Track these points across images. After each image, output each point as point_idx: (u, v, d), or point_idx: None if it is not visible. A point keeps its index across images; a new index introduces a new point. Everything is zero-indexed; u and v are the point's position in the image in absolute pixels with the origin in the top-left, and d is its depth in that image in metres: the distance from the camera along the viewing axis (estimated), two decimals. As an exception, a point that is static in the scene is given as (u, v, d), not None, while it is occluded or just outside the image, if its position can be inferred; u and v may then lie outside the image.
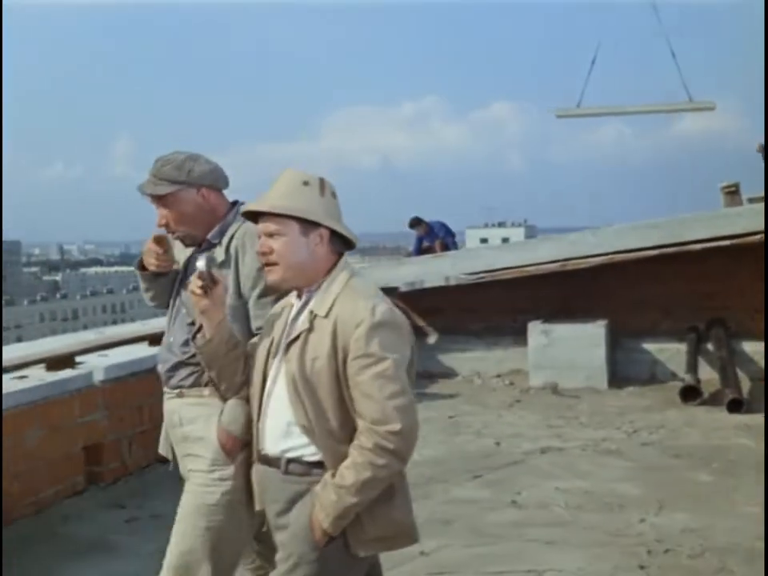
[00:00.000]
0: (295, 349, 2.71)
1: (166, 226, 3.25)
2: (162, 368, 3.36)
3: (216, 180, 3.30)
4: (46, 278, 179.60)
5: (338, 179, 3.21)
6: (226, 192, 3.36)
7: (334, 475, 2.63)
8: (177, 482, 3.45)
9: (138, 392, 6.46)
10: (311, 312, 2.72)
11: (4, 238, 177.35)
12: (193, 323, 3.15)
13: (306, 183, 2.78)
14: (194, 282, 2.87)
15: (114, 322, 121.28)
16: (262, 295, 3.17)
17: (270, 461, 2.79)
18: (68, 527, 5.51)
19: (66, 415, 5.83)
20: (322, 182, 2.79)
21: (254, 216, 2.82)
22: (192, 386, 3.26)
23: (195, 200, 3.24)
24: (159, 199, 3.22)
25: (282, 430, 2.75)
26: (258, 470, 2.87)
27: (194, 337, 3.00)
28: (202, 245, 3.30)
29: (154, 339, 7.14)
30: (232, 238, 3.23)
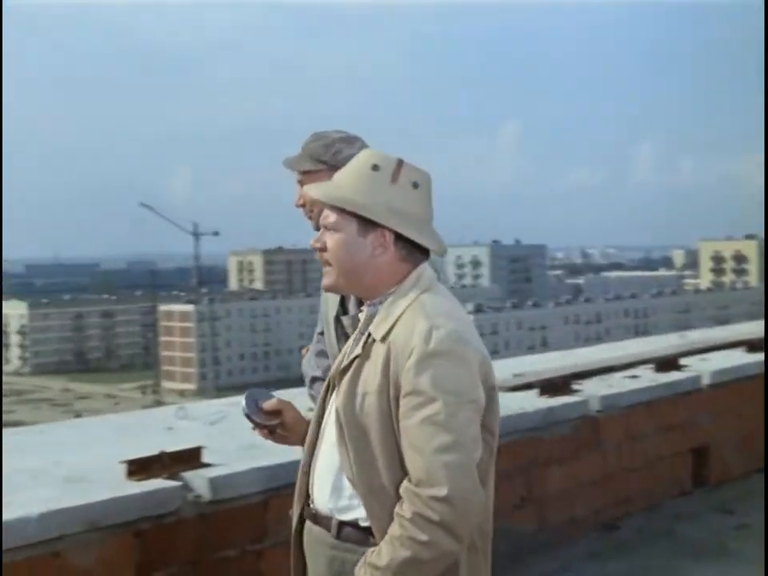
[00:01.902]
0: (346, 380, 2.19)
1: (303, 205, 2.95)
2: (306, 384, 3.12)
3: None
4: (568, 281, 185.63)
5: None
6: None
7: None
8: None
9: (740, 397, 6.42)
10: (368, 334, 2.20)
11: (532, 242, 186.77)
12: (322, 333, 3.00)
13: (375, 167, 2.23)
14: (257, 429, 2.43)
15: (636, 327, 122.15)
16: None
17: (319, 519, 2.26)
18: (680, 527, 5.61)
19: (675, 416, 5.94)
20: (399, 165, 2.23)
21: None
22: None
23: None
24: (301, 176, 2.93)
25: (331, 482, 2.23)
26: (307, 528, 2.32)
27: None
28: None
29: (753, 345, 7.07)
30: None
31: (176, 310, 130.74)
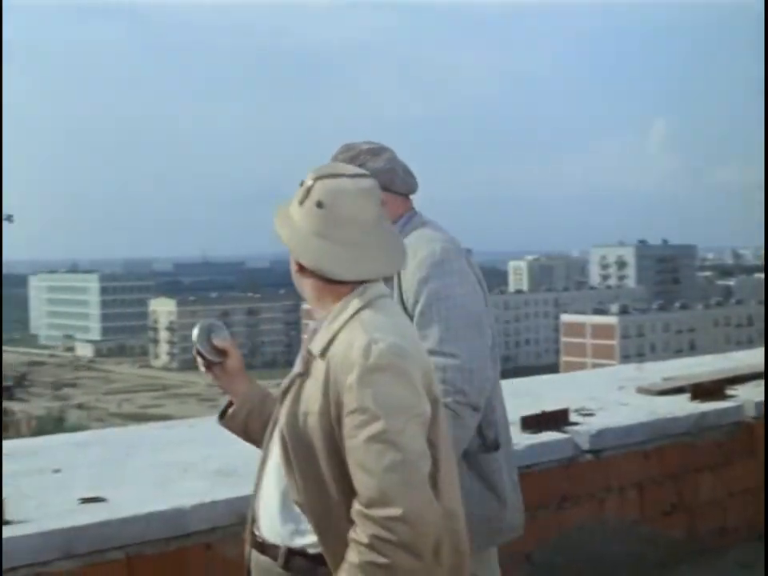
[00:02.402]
0: (288, 400, 2.11)
1: None
2: None
3: (390, 181, 2.86)
4: (718, 282, 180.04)
5: None
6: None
7: None
8: None
9: None
10: (309, 351, 2.12)
11: (680, 242, 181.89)
12: None
13: (301, 184, 2.17)
14: (196, 358, 2.36)
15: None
16: (424, 312, 2.72)
17: (265, 547, 2.15)
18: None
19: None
20: (313, 183, 2.15)
21: None
22: None
23: None
24: None
25: (276, 507, 2.13)
26: (253, 557, 2.20)
27: (222, 414, 2.43)
28: None
29: None
30: None
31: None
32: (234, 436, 2.44)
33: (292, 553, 2.10)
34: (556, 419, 4.45)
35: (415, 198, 2.97)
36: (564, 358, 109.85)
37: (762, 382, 5.71)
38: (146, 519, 3.02)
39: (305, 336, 2.26)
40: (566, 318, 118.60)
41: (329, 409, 2.02)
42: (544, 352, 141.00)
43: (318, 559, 2.06)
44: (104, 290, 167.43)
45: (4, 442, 4.37)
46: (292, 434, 2.08)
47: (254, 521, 2.21)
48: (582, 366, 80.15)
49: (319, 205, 2.12)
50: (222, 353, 2.34)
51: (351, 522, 1.97)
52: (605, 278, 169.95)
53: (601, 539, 4.41)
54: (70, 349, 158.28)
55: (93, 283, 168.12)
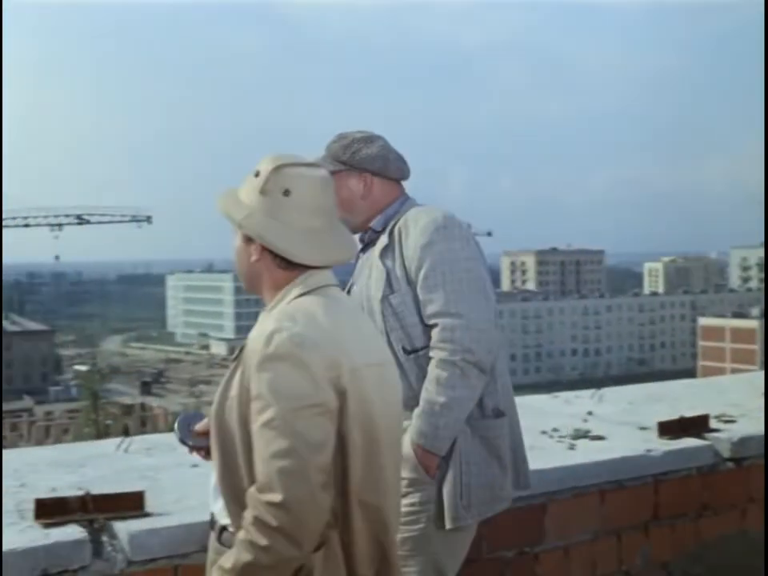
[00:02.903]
0: (221, 385, 2.19)
1: None
2: None
3: (384, 168, 2.93)
4: None
5: None
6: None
7: None
8: None
9: None
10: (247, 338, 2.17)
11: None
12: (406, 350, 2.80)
13: (256, 174, 2.21)
14: (193, 452, 2.47)
15: None
16: (429, 275, 2.73)
17: (212, 523, 2.32)
18: None
19: None
20: (272, 172, 2.19)
21: None
22: None
23: (353, 185, 2.94)
24: None
25: (212, 486, 2.29)
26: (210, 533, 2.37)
27: None
28: (366, 233, 3.00)
29: None
30: (396, 222, 2.89)
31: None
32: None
33: (224, 528, 2.23)
34: (695, 425, 4.32)
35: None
36: (702, 363, 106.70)
37: None
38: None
39: None
40: (703, 321, 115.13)
41: (242, 393, 2.10)
42: (680, 356, 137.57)
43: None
44: (238, 290, 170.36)
45: (144, 437, 4.51)
46: (218, 417, 2.16)
47: None
48: (720, 371, 77.81)
49: (286, 193, 2.19)
50: (208, 434, 2.35)
51: None
52: (745, 280, 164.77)
53: (742, 551, 4.26)
54: (205, 347, 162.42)
55: (227, 283, 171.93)
